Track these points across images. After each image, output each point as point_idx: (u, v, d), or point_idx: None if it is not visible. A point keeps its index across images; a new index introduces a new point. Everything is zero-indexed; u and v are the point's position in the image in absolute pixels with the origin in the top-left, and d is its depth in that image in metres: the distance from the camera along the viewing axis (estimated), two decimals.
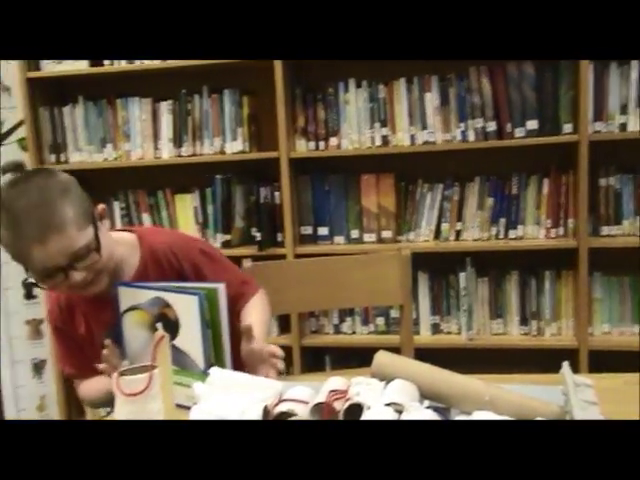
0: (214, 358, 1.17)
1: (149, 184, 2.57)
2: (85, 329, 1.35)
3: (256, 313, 1.37)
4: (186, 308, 1.16)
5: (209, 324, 1.17)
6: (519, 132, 2.23)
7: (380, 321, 2.44)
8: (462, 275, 2.32)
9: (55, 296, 1.37)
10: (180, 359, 1.17)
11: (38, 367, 2.87)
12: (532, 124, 2.22)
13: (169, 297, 1.18)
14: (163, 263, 1.34)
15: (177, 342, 1.17)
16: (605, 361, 2.16)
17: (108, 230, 1.30)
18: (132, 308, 1.21)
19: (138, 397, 0.74)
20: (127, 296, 1.22)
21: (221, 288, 1.18)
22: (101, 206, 1.27)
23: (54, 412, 2.80)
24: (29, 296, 2.83)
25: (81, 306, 1.34)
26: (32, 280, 1.21)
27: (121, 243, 1.33)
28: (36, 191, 1.16)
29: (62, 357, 1.41)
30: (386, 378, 1.05)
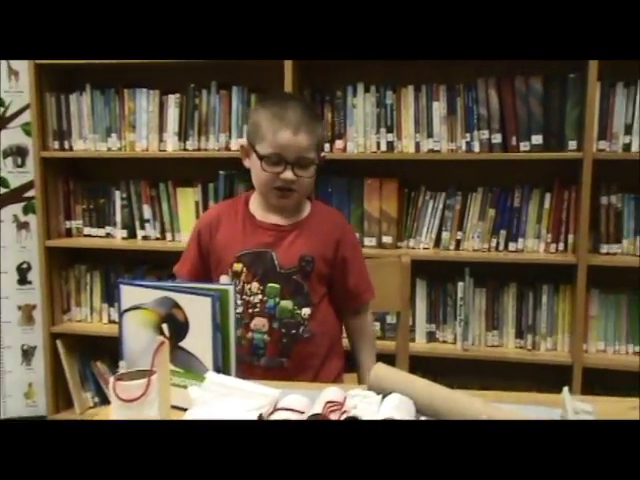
0: (222, 362, 1.16)
1: (152, 176, 2.56)
2: (223, 243, 1.51)
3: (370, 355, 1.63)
4: (197, 309, 1.14)
5: (220, 327, 1.15)
6: (524, 146, 2.23)
7: (375, 326, 2.43)
8: (460, 285, 2.32)
9: (215, 211, 1.60)
10: (186, 361, 1.15)
11: (27, 353, 2.85)
12: (537, 139, 2.22)
13: (179, 297, 1.16)
14: (325, 225, 1.54)
15: (185, 344, 1.16)
16: (599, 379, 2.17)
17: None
18: (136, 307, 1.19)
19: (135, 403, 0.74)
20: (130, 295, 1.20)
21: (231, 290, 1.17)
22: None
23: (41, 400, 2.78)
24: (23, 281, 2.82)
25: (231, 224, 1.53)
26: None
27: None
28: (306, 104, 1.56)
29: (184, 259, 1.59)
30: (383, 392, 1.04)
